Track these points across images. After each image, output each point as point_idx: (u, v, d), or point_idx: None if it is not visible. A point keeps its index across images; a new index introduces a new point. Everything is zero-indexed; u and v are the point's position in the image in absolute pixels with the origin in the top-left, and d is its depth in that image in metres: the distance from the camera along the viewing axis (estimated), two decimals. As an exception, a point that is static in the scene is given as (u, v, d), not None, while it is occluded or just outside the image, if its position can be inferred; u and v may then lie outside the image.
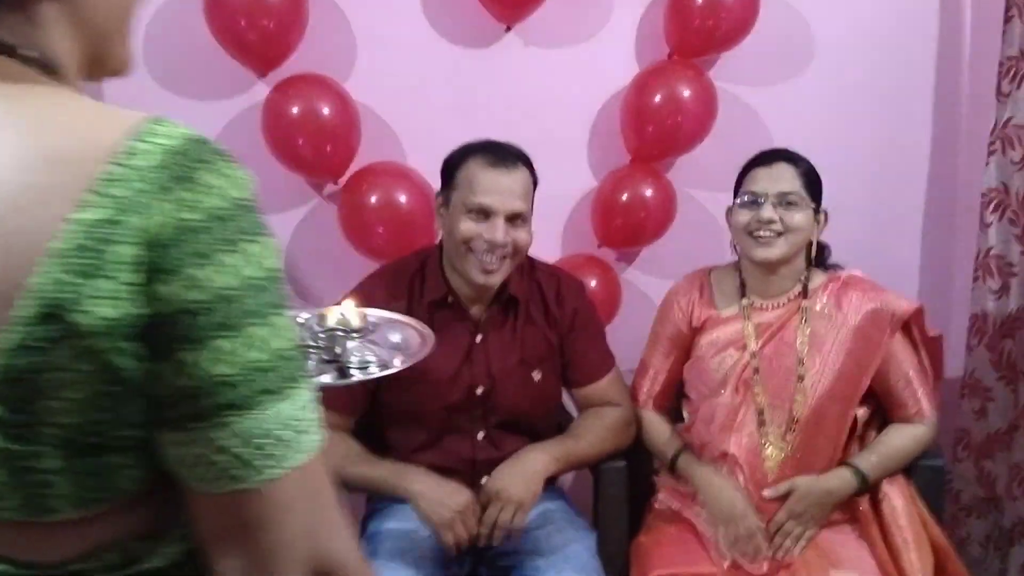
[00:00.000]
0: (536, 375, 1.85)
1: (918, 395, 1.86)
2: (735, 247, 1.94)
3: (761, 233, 1.82)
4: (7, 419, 0.64)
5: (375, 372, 1.24)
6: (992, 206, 2.39)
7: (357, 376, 1.23)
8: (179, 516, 0.71)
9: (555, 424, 1.94)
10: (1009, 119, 2.33)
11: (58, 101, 0.68)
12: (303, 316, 1.30)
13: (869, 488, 1.82)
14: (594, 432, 1.86)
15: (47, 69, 0.70)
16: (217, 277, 0.63)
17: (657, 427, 1.96)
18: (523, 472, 1.73)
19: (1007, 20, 2.32)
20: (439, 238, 1.90)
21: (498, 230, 1.72)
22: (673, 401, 2.03)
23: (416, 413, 1.80)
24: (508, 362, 1.83)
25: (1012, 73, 2.32)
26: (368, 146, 2.27)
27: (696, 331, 1.94)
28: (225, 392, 0.64)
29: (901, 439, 1.85)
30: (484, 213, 1.73)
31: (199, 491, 0.67)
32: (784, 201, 1.81)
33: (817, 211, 1.86)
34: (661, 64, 2.35)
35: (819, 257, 1.93)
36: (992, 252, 2.40)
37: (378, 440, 1.83)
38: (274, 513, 0.67)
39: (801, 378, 1.82)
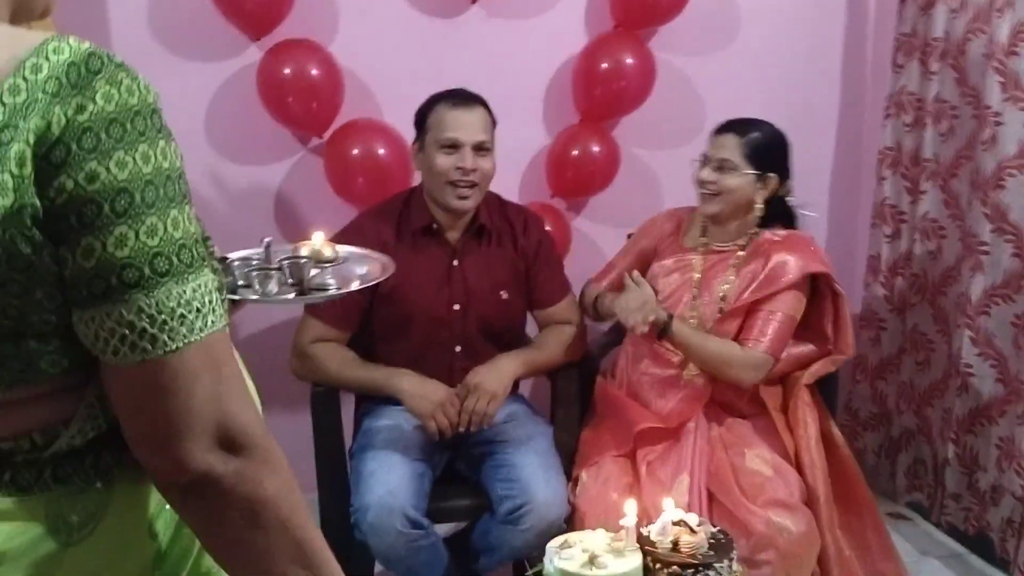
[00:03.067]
0: (504, 295, 2.16)
1: (766, 330, 2.05)
2: None
3: (703, 191, 2.12)
4: None
5: (333, 293, 1.42)
6: (887, 162, 2.76)
7: (320, 296, 1.41)
8: (89, 398, 0.78)
9: (520, 339, 2.27)
10: (903, 87, 2.70)
11: None
12: (266, 241, 1.46)
13: (665, 334, 2.06)
14: (553, 345, 2.19)
15: None
16: (117, 171, 0.68)
17: (600, 293, 2.28)
18: (496, 371, 2.06)
19: (902, 1, 2.68)
20: (419, 179, 2.18)
21: (467, 158, 2.05)
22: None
23: (403, 327, 2.10)
24: (481, 283, 2.14)
25: (906, 47, 2.69)
26: (349, 104, 2.53)
27: (659, 252, 2.25)
28: (127, 273, 0.70)
29: (723, 344, 2.08)
30: (454, 146, 2.05)
31: (111, 364, 0.72)
32: (722, 166, 2.09)
33: (760, 177, 2.09)
34: (607, 35, 2.62)
35: (782, 217, 2.16)
36: (886, 202, 2.78)
37: (369, 355, 2.13)
38: (179, 381, 0.73)
39: (721, 311, 2.10)
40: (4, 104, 0.67)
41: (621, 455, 2.09)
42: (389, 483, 1.92)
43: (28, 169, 0.67)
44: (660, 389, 2.15)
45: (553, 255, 2.28)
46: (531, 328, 2.32)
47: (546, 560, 1.61)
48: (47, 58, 0.69)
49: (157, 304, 0.71)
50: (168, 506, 0.84)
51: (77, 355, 0.75)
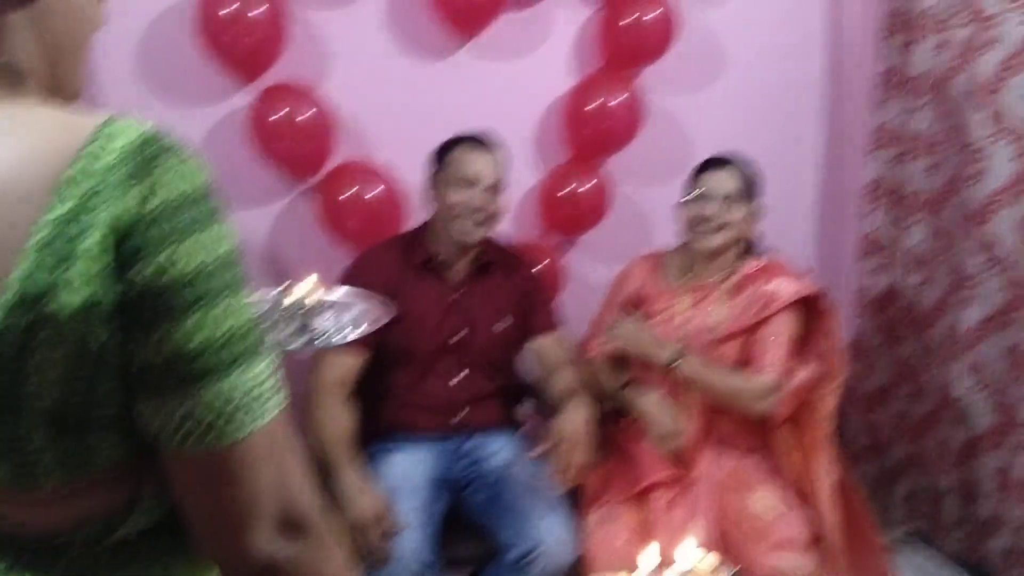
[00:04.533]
0: (500, 325, 2.21)
1: (771, 356, 2.09)
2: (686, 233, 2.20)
3: (701, 228, 2.13)
4: None
5: (350, 335, 1.46)
6: (872, 196, 2.80)
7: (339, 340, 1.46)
8: (152, 485, 0.76)
9: (514, 371, 2.30)
10: (886, 122, 2.75)
11: (21, 106, 0.71)
12: (272, 292, 1.48)
13: (672, 367, 2.07)
14: (576, 382, 2.19)
15: (12, 76, 0.72)
16: (188, 257, 0.68)
17: (606, 371, 2.26)
18: (580, 418, 2.02)
19: (883, 38, 2.74)
20: (430, 213, 2.22)
21: (479, 196, 2.11)
22: (616, 359, 2.29)
23: (404, 357, 2.13)
24: (481, 313, 2.19)
25: (888, 83, 2.74)
26: (339, 146, 2.52)
27: (642, 298, 2.26)
28: (203, 360, 0.69)
29: (731, 375, 2.10)
30: (468, 183, 2.11)
31: (177, 453, 0.71)
32: (727, 201, 2.11)
33: (754, 208, 2.17)
34: (595, 75, 2.66)
35: (750, 247, 2.21)
36: (873, 236, 2.81)
37: (378, 380, 2.15)
38: (246, 468, 0.71)
39: (713, 342, 2.13)
40: (66, 195, 0.65)
41: (629, 498, 2.07)
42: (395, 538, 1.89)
43: (104, 262, 0.66)
44: None
45: (542, 290, 2.35)
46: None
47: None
48: (103, 146, 0.67)
49: (228, 392, 0.70)
50: None
51: (135, 446, 0.74)
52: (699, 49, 2.76)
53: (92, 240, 0.65)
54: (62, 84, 0.78)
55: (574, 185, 2.65)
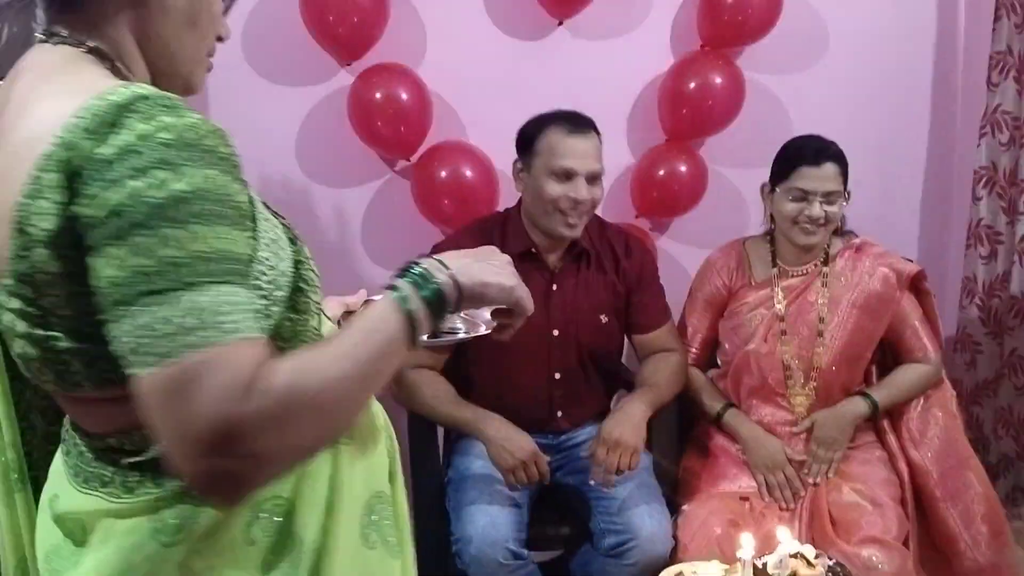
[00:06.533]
0: (603, 319, 2.12)
1: (924, 341, 2.14)
2: (771, 220, 2.18)
3: (808, 226, 2.06)
4: (27, 310, 0.80)
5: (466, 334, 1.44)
6: (983, 182, 2.70)
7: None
8: None
9: (617, 365, 2.24)
10: (998, 105, 2.64)
11: (84, 77, 0.82)
12: None
13: (879, 412, 2.11)
14: (668, 378, 2.13)
15: (97, 56, 0.86)
16: (112, 196, 0.72)
17: (701, 383, 2.22)
18: (631, 421, 1.99)
19: (996, 19, 2.62)
20: (519, 198, 2.14)
21: (581, 189, 1.99)
22: (709, 356, 2.30)
23: (499, 353, 1.99)
24: (580, 307, 2.10)
25: (1001, 66, 2.63)
26: (436, 126, 2.54)
27: (731, 293, 2.21)
28: (114, 292, 0.72)
29: (909, 374, 2.15)
30: (567, 175, 1.99)
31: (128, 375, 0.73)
32: (829, 199, 2.06)
33: (846, 195, 2.11)
34: (694, 54, 2.61)
35: (838, 228, 2.18)
36: (982, 223, 2.71)
37: (465, 381, 2.10)
38: (149, 404, 0.71)
39: (821, 333, 2.12)
40: (56, 139, 0.74)
41: (730, 492, 2.05)
42: (490, 514, 1.91)
43: (64, 197, 0.74)
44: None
45: (656, 279, 2.23)
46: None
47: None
48: (100, 99, 0.75)
49: (138, 324, 0.71)
50: (265, 515, 0.89)
51: None
52: (802, 28, 2.68)
53: (51, 176, 0.74)
54: (167, 72, 0.90)
55: (670, 167, 2.62)
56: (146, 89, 0.76)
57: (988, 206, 2.70)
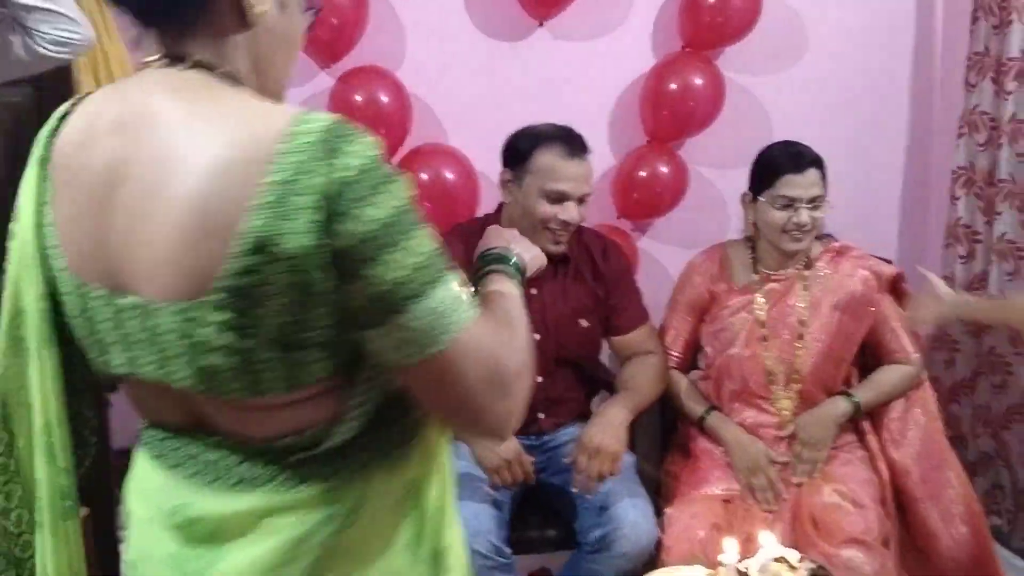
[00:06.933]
0: (583, 323, 2.13)
1: (904, 342, 2.17)
2: (753, 227, 2.19)
3: (796, 232, 2.08)
4: (235, 322, 0.85)
5: None
6: (961, 182, 2.72)
7: None
8: (355, 404, 0.94)
9: (597, 368, 2.24)
10: (975, 106, 2.65)
11: (243, 101, 0.90)
12: None
13: (862, 413, 2.13)
14: (647, 381, 2.15)
15: (232, 80, 0.93)
16: (375, 212, 0.83)
17: (683, 386, 2.24)
18: (612, 427, 2.01)
19: (974, 20, 2.64)
20: (500, 204, 2.16)
21: (572, 211, 2.02)
22: (691, 359, 2.31)
23: None
24: (560, 311, 2.11)
25: (978, 67, 2.64)
26: (416, 129, 2.53)
27: (713, 298, 2.22)
28: (396, 294, 0.85)
29: (890, 375, 2.17)
30: (561, 198, 2.02)
31: (398, 367, 0.89)
32: (814, 203, 2.08)
33: (827, 199, 2.13)
34: (675, 55, 2.61)
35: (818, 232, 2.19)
36: (960, 222, 2.73)
37: None
38: (452, 371, 0.89)
39: (802, 336, 2.13)
40: (280, 164, 0.83)
41: (713, 495, 2.06)
42: (471, 508, 1.91)
43: (315, 218, 0.83)
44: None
45: (632, 282, 2.26)
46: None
47: (644, 597, 1.59)
48: (304, 129, 0.84)
49: (427, 309, 0.86)
50: (410, 492, 1.01)
51: (342, 362, 0.91)
52: (781, 30, 2.70)
53: (304, 199, 0.82)
54: (267, 89, 0.97)
55: (651, 168, 2.62)
56: (324, 113, 0.87)
57: (966, 206, 2.72)
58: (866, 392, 2.15)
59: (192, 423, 0.98)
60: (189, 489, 0.97)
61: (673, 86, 2.57)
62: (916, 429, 2.14)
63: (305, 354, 0.88)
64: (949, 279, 2.76)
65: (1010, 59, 2.51)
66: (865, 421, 2.16)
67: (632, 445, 2.20)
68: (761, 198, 2.11)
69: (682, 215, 2.71)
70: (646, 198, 2.66)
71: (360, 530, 0.96)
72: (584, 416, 2.16)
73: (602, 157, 2.69)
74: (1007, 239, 2.58)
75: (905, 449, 2.11)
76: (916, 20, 2.79)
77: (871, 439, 2.14)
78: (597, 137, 2.67)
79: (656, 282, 2.57)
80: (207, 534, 0.96)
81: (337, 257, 0.84)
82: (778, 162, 2.10)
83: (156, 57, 0.94)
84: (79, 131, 0.94)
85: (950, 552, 2.04)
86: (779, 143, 2.18)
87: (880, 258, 2.27)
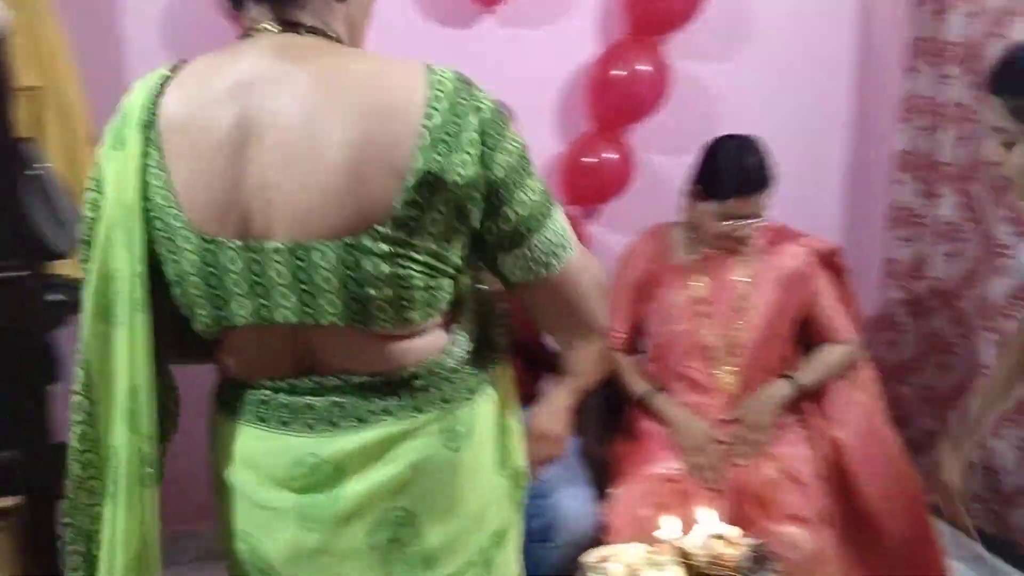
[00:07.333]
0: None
1: (842, 320, 2.20)
2: (685, 201, 2.22)
3: (734, 242, 2.14)
4: (393, 252, 0.97)
5: None
6: (902, 166, 2.76)
7: None
8: (458, 335, 1.09)
9: (539, 347, 2.27)
10: (914, 92, 2.70)
11: (370, 57, 1.01)
12: None
13: (804, 394, 2.16)
14: (590, 364, 2.12)
15: (339, 43, 1.04)
16: (512, 146, 0.99)
17: (626, 366, 2.25)
18: (555, 411, 2.00)
19: (916, 4, 2.68)
20: None
21: None
22: (636, 340, 2.32)
23: None
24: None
25: (919, 51, 2.69)
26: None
27: (655, 277, 2.24)
28: (528, 222, 1.01)
29: (830, 355, 2.19)
30: None
31: (526, 285, 1.05)
32: (755, 216, 2.10)
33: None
34: (621, 42, 2.62)
35: None
36: (902, 205, 2.77)
37: None
38: (571, 284, 1.05)
39: (741, 311, 2.16)
40: (434, 108, 0.95)
41: (656, 474, 2.08)
42: None
43: (476, 152, 0.96)
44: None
45: None
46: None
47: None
48: (439, 79, 0.98)
49: (548, 237, 1.02)
50: (500, 416, 1.14)
51: (456, 296, 1.06)
52: (726, 17, 2.71)
53: (469, 137, 0.96)
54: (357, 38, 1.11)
55: (598, 154, 2.63)
56: (446, 66, 1.01)
57: (908, 189, 2.76)
58: (806, 373, 2.17)
59: (305, 369, 1.04)
60: (309, 440, 1.03)
61: (619, 73, 2.58)
62: (857, 410, 2.17)
63: (441, 283, 1.02)
64: (892, 262, 2.81)
65: (951, 44, 2.55)
66: (807, 402, 2.19)
67: (577, 429, 2.21)
68: (705, 205, 2.13)
69: (630, 201, 2.71)
70: (594, 184, 2.67)
71: (470, 451, 1.07)
72: (529, 398, 2.17)
73: (550, 143, 2.71)
74: (948, 221, 2.63)
75: (846, 430, 2.13)
76: (859, 6, 2.82)
77: (812, 419, 2.17)
78: (545, 124, 2.71)
79: (605, 267, 2.55)
80: (330, 475, 1.03)
81: (490, 189, 0.98)
82: (726, 184, 2.09)
83: (265, 25, 1.02)
84: (192, 96, 0.99)
85: (891, 528, 2.07)
86: (727, 151, 2.14)
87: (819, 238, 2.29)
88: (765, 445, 2.10)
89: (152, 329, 1.02)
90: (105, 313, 1.02)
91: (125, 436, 1.02)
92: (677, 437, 2.12)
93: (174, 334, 1.07)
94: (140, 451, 1.03)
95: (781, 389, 2.15)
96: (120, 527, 1.03)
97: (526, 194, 1.00)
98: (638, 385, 2.22)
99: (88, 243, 1.04)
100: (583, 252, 1.07)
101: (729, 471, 2.06)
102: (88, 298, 1.02)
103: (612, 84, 2.59)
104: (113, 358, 1.02)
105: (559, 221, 1.03)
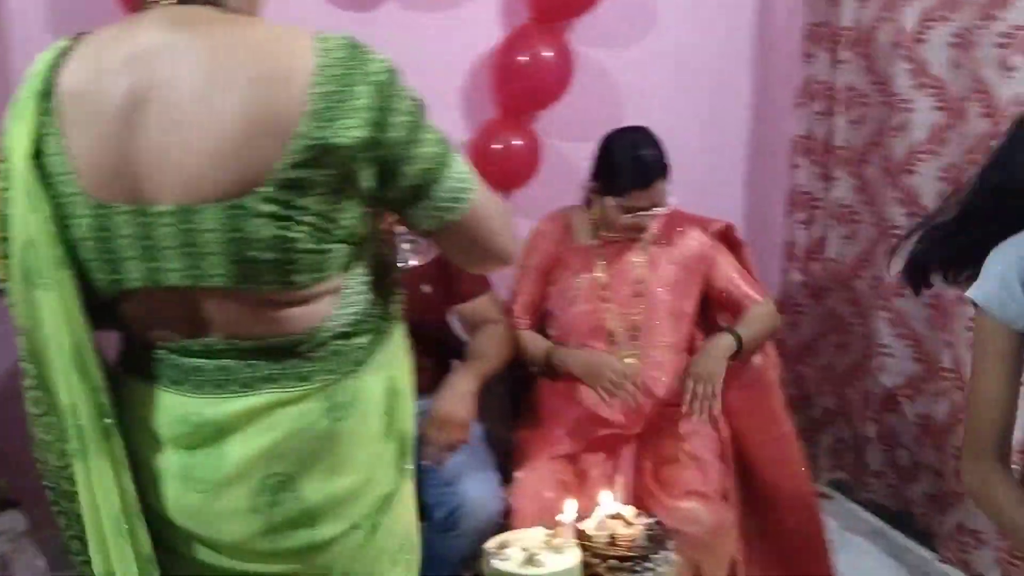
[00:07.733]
0: (425, 288, 2.12)
1: (748, 290, 2.23)
2: (588, 196, 2.26)
3: (636, 232, 2.18)
4: (280, 213, 0.98)
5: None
6: (800, 150, 2.82)
7: None
8: (347, 302, 1.09)
9: (447, 337, 2.24)
10: (813, 76, 2.76)
11: (262, 26, 1.04)
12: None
13: (744, 347, 2.16)
14: (494, 349, 2.14)
15: (232, 11, 1.06)
16: (406, 107, 1.02)
17: (531, 339, 2.26)
18: (460, 397, 2.00)
19: (812, -8, 2.74)
20: None
21: None
22: (540, 322, 2.34)
23: None
24: (402, 277, 2.09)
25: (815, 37, 2.75)
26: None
27: (558, 260, 2.26)
28: (427, 177, 1.05)
29: (755, 311, 2.21)
30: None
31: (434, 233, 1.10)
32: (656, 206, 2.14)
33: None
34: (524, 28, 2.60)
35: None
36: (800, 189, 2.84)
37: None
38: (477, 224, 1.10)
39: (640, 294, 2.19)
40: (323, 76, 0.98)
41: (560, 456, 2.08)
42: None
43: (372, 114, 0.99)
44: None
45: None
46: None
47: (484, 563, 1.60)
48: (326, 45, 1.00)
49: (447, 188, 1.06)
50: (388, 386, 1.14)
51: (347, 261, 1.07)
52: (628, 3, 2.73)
53: (359, 103, 0.98)
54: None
55: (504, 141, 2.62)
56: (338, 33, 1.03)
57: (805, 173, 2.83)
58: (742, 328, 2.18)
59: (198, 332, 1.06)
60: (195, 399, 1.06)
61: (523, 59, 2.57)
62: (756, 397, 2.20)
63: (330, 247, 1.03)
64: (791, 244, 2.87)
65: (844, 28, 2.61)
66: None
67: (482, 413, 2.21)
68: (607, 199, 2.16)
69: (536, 187, 2.71)
70: (500, 171, 2.65)
71: (353, 421, 1.09)
72: (436, 386, 2.15)
73: (455, 130, 2.68)
74: (843, 204, 2.70)
75: (744, 419, 2.17)
76: (756, -7, 2.87)
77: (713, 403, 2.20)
78: (450, 110, 2.67)
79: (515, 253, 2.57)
80: (212, 435, 1.05)
81: (385, 151, 1.01)
82: (625, 178, 2.13)
83: None
84: (89, 66, 1.02)
85: (785, 506, 2.13)
86: (622, 145, 2.17)
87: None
88: (665, 424, 2.12)
89: (79, 285, 1.04)
90: (30, 279, 1.03)
91: (80, 391, 1.04)
92: (585, 375, 2.14)
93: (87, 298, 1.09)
94: (98, 403, 1.05)
95: (724, 339, 2.16)
96: (96, 483, 1.05)
97: (424, 148, 1.03)
98: (541, 344, 2.24)
99: (4, 215, 1.05)
100: (484, 187, 1.12)
101: (628, 447, 2.08)
102: (14, 267, 1.05)
103: (516, 70, 2.58)
104: (51, 318, 1.04)
105: (459, 164, 1.08)
